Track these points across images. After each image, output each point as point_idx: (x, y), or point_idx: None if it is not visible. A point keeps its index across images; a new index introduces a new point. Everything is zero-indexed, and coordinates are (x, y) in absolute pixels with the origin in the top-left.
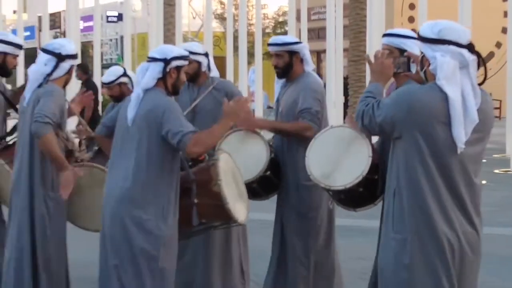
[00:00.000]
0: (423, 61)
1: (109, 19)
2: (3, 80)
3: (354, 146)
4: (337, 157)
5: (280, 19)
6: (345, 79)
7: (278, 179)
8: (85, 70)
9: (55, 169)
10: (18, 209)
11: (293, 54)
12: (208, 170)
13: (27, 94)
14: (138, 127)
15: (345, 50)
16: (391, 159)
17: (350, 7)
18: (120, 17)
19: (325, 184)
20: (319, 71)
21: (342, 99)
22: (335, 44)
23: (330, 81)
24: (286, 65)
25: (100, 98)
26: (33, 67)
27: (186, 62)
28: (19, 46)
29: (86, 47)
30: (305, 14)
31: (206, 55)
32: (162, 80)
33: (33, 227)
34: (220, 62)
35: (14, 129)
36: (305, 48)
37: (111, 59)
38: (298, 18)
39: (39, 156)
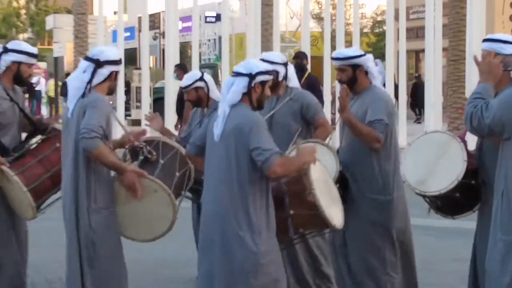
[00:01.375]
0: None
1: (208, 19)
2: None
3: (448, 151)
4: (431, 162)
5: (378, 19)
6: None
7: (345, 192)
8: (184, 70)
9: (98, 181)
10: (67, 223)
11: (356, 67)
12: (300, 180)
13: (70, 104)
14: (225, 143)
15: (444, 49)
16: (499, 161)
17: (450, 5)
18: (218, 18)
19: (420, 190)
20: (417, 71)
21: (441, 99)
22: (434, 43)
23: (429, 81)
24: (350, 79)
25: None
26: (73, 74)
27: (270, 77)
28: (33, 55)
29: (184, 48)
30: (403, 13)
31: (285, 64)
32: (247, 95)
33: (79, 240)
34: (317, 62)
35: (27, 140)
36: (369, 61)
37: (209, 59)
38: (396, 17)
39: (83, 168)
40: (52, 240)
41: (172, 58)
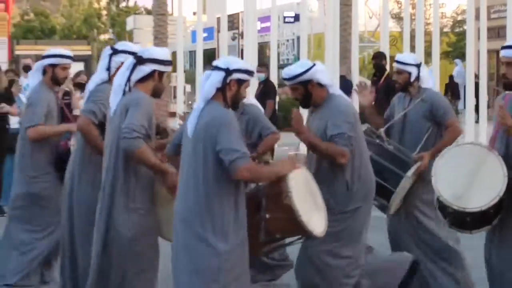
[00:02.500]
0: None
1: (286, 19)
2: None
3: (486, 164)
4: (468, 176)
5: (459, 18)
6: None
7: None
8: (268, 68)
9: (138, 182)
10: (97, 220)
11: (307, 83)
12: (278, 183)
13: (112, 102)
14: (196, 139)
15: None
16: None
17: None
18: (297, 18)
19: (458, 206)
20: (498, 70)
21: None
22: None
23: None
24: (304, 96)
25: (277, 99)
26: (118, 71)
27: (248, 77)
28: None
29: (263, 48)
30: (484, 13)
31: (417, 66)
32: (221, 91)
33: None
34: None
35: None
36: (317, 72)
37: (287, 59)
38: (477, 17)
39: (122, 167)
40: None
41: (251, 59)
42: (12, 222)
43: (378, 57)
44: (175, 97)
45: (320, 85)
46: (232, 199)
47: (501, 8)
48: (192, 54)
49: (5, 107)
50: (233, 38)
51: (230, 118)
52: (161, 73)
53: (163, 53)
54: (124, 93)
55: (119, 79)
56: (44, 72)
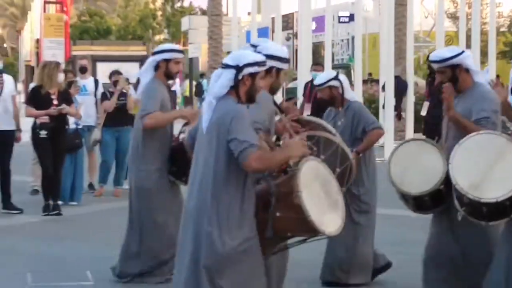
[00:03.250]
0: None
1: (341, 19)
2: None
3: (506, 155)
4: (486, 166)
5: None
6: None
7: (449, 193)
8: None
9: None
10: None
11: (455, 67)
12: (289, 182)
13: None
14: (210, 135)
15: None
16: None
17: None
18: (351, 18)
19: (473, 195)
20: None
21: None
22: None
23: None
24: (450, 80)
25: None
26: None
27: (261, 68)
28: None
29: (317, 48)
30: None
31: None
32: (234, 88)
33: None
34: None
35: None
36: (467, 58)
37: (342, 59)
38: None
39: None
40: None
41: (305, 59)
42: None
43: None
44: None
45: (467, 71)
46: (239, 193)
47: None
48: None
49: (65, 108)
50: (288, 38)
51: (242, 112)
52: (278, 70)
53: (282, 50)
54: None
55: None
56: (157, 67)
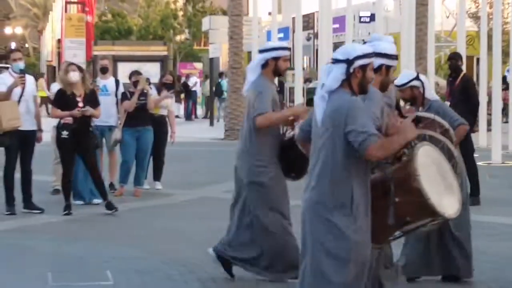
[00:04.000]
0: None
1: (362, 19)
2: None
3: None
4: None
5: None
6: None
7: None
8: None
9: None
10: None
11: None
12: (405, 167)
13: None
14: (325, 128)
15: None
16: None
17: None
18: (372, 17)
19: None
20: None
21: None
22: None
23: None
24: None
25: None
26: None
27: (371, 60)
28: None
29: (338, 48)
30: None
31: None
32: (346, 81)
33: None
34: (472, 62)
35: None
36: None
37: None
38: None
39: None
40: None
41: (326, 59)
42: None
43: (454, 57)
44: None
45: None
46: (361, 184)
47: None
48: None
49: (88, 110)
50: (308, 38)
51: (355, 103)
52: (388, 67)
53: (390, 47)
54: None
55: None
56: (265, 65)
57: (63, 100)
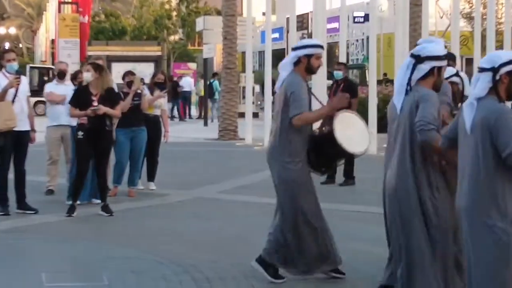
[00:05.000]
0: None
1: (356, 19)
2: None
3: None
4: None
5: None
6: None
7: None
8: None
9: (438, 172)
10: (406, 211)
11: None
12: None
13: (396, 101)
14: (474, 135)
15: None
16: None
17: None
18: (366, 18)
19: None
20: None
21: None
22: None
23: None
24: None
25: None
26: (399, 72)
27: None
28: (321, 47)
29: (332, 48)
30: None
31: None
32: (493, 88)
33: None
34: (468, 62)
35: None
36: None
37: (357, 59)
38: None
39: (420, 159)
40: (203, 238)
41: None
42: None
43: (448, 58)
44: (244, 97)
45: None
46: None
47: None
48: (261, 54)
49: (100, 109)
50: (302, 38)
51: (504, 111)
52: (439, 68)
53: (439, 49)
54: (406, 92)
55: (401, 79)
56: (298, 62)
57: (80, 99)
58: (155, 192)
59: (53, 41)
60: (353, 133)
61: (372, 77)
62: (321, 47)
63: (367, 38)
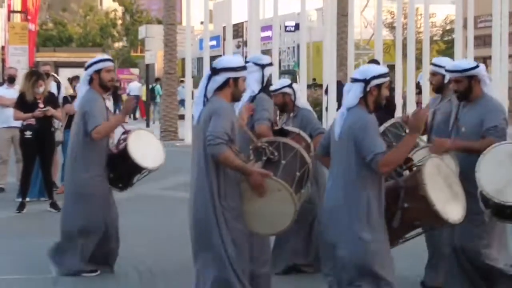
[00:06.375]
0: None
1: (287, 28)
2: None
3: None
4: (508, 173)
5: (448, 27)
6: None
7: None
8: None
9: (228, 181)
10: (199, 221)
11: (471, 78)
12: (414, 176)
13: (195, 111)
14: (342, 141)
15: (510, 56)
16: None
17: None
18: (297, 27)
19: (498, 199)
20: None
21: (507, 103)
22: (500, 50)
23: (495, 87)
24: (465, 89)
25: None
26: (200, 83)
27: (386, 79)
28: (108, 60)
29: (265, 55)
30: (471, 22)
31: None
32: (363, 98)
33: (222, 237)
34: (390, 68)
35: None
36: (482, 71)
37: (288, 66)
38: (465, 26)
39: (214, 169)
40: (151, 233)
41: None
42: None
43: (372, 64)
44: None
45: (479, 83)
46: (375, 193)
47: (487, 18)
48: (199, 60)
49: (49, 110)
50: (238, 46)
51: (369, 120)
52: (235, 79)
53: (235, 61)
54: (204, 103)
55: (199, 91)
56: (91, 80)
57: (24, 103)
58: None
59: (3, 48)
60: (148, 149)
61: (302, 82)
62: (109, 60)
63: (298, 46)
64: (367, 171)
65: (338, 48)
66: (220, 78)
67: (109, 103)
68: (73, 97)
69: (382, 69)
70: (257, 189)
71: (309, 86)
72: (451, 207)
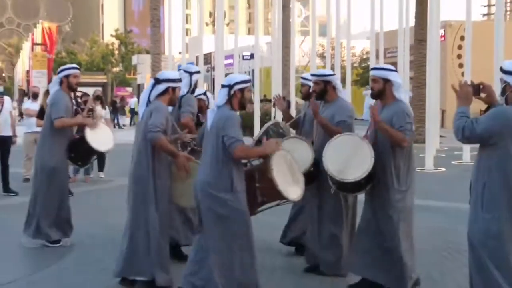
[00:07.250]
0: (506, 88)
1: (244, 57)
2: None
3: (359, 149)
4: (346, 157)
5: (364, 57)
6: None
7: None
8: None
9: (162, 162)
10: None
11: (327, 83)
12: (265, 163)
13: (140, 111)
14: (212, 132)
15: (410, 78)
16: (478, 160)
17: (415, 47)
18: (252, 56)
19: (339, 178)
20: None
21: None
22: (403, 74)
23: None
24: (321, 90)
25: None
26: (145, 89)
27: (247, 85)
28: (74, 68)
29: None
30: (382, 53)
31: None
32: (229, 100)
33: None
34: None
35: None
36: (336, 79)
37: None
38: (377, 56)
39: (151, 154)
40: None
41: (220, 85)
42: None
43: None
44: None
45: (334, 88)
46: (236, 167)
47: (394, 50)
48: None
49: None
50: (207, 71)
51: (232, 116)
52: (173, 88)
53: (174, 74)
54: (147, 104)
55: (144, 95)
56: (61, 83)
57: (43, 113)
58: (103, 180)
59: (28, 72)
60: (101, 136)
61: (256, 98)
62: (75, 68)
63: (253, 70)
64: (229, 154)
65: (283, 72)
66: (162, 87)
67: (104, 112)
68: (82, 109)
69: (244, 77)
70: (182, 169)
71: (261, 101)
72: (292, 189)
